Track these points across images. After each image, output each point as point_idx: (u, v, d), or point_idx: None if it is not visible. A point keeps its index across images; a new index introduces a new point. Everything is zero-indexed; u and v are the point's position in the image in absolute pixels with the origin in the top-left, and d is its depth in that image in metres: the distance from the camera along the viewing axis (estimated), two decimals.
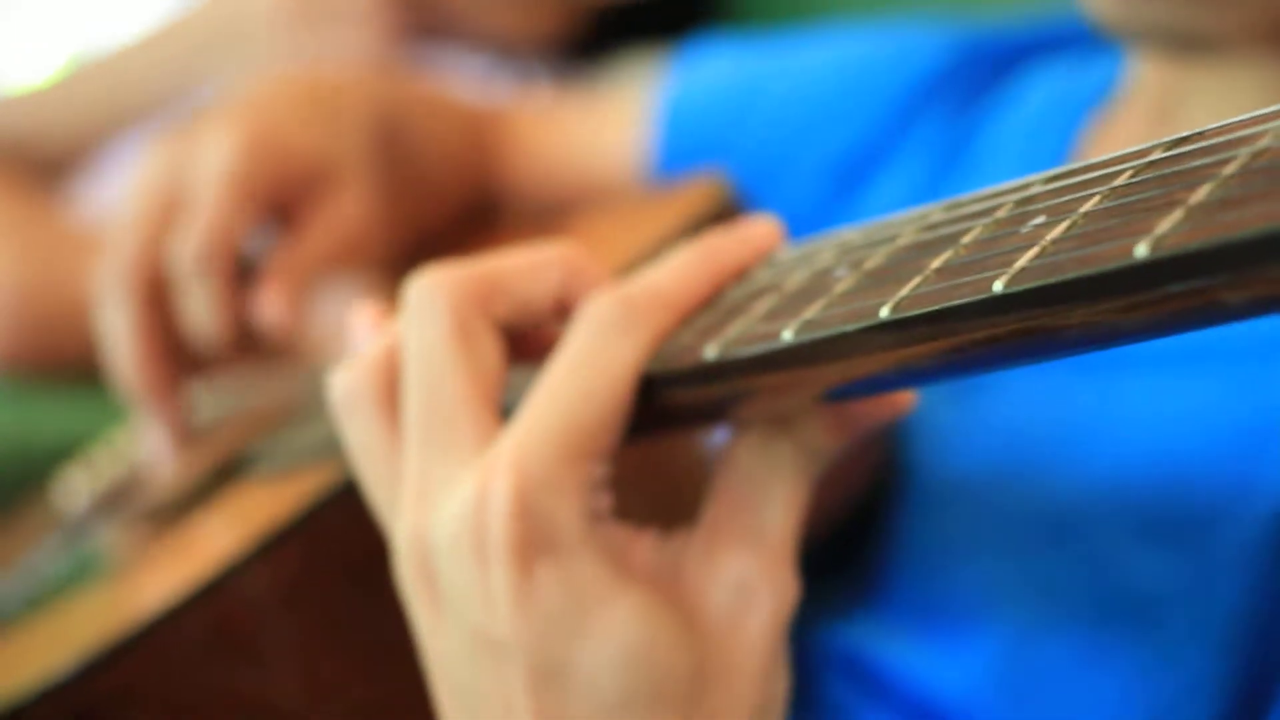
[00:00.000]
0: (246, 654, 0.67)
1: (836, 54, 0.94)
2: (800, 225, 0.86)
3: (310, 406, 0.85)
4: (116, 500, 0.96)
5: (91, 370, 1.22)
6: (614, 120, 1.02)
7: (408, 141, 0.95)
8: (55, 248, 1.23)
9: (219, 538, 0.75)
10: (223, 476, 0.86)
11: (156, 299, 0.85)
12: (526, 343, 0.58)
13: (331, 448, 0.72)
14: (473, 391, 0.54)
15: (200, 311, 0.83)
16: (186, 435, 0.87)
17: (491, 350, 0.55)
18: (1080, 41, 0.89)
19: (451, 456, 0.53)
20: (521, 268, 0.57)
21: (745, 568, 0.53)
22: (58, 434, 1.24)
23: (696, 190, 0.77)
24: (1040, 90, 0.84)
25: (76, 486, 1.00)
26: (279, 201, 0.86)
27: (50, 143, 1.38)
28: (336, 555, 0.68)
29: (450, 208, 1.00)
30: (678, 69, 1.00)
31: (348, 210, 0.87)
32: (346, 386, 0.57)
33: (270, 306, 0.82)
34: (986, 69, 0.88)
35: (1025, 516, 0.67)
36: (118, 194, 1.31)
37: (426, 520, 0.53)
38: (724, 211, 0.74)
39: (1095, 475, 0.65)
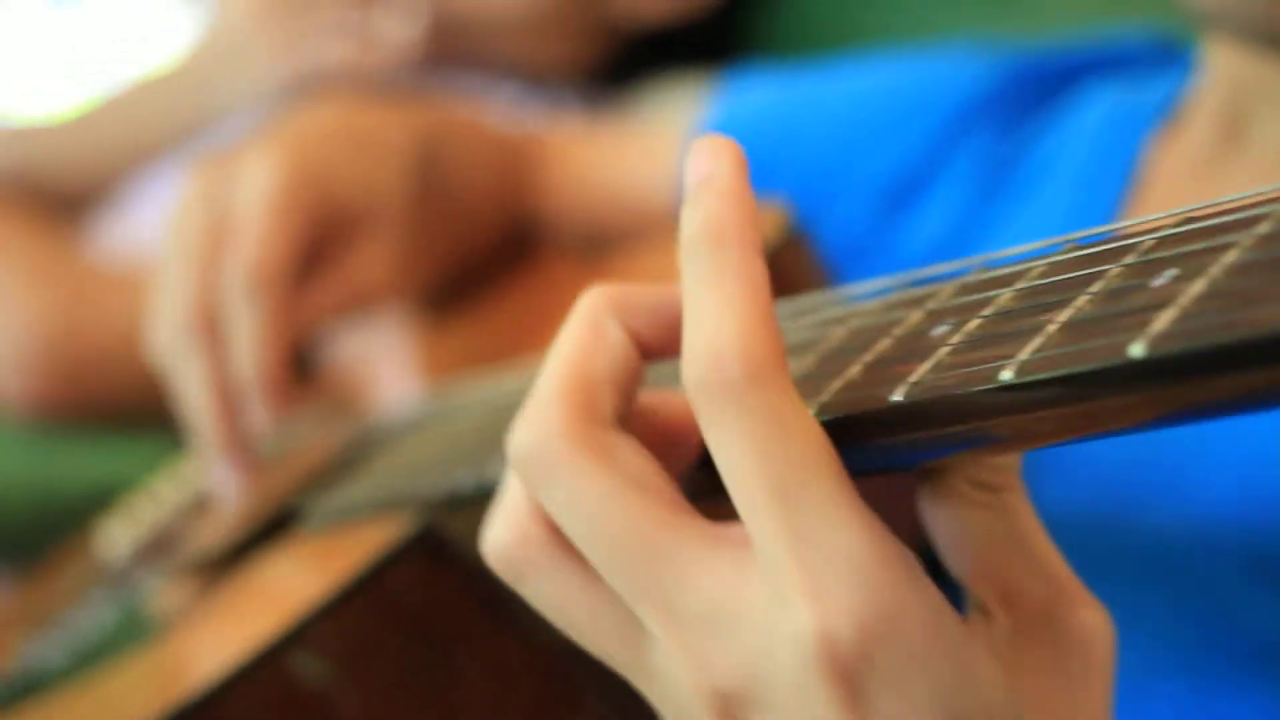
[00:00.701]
0: None
1: (882, 78, 0.93)
2: (850, 249, 0.85)
3: (358, 458, 0.83)
4: (159, 550, 0.94)
5: (121, 414, 1.20)
6: (654, 148, 1.00)
7: (445, 171, 0.94)
8: (80, 287, 1.21)
9: (277, 597, 0.73)
10: (271, 529, 0.84)
11: (220, 345, 0.83)
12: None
13: (388, 504, 0.70)
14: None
15: (247, 345, 0.81)
16: (253, 477, 0.85)
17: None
18: (1131, 62, 0.87)
19: (716, 580, 0.44)
20: None
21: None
22: (86, 480, 1.22)
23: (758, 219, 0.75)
24: (1096, 110, 0.82)
25: (117, 536, 0.98)
26: (318, 233, 0.84)
27: (68, 177, 1.36)
28: (402, 615, 0.66)
29: (487, 236, 0.98)
30: (719, 96, 0.99)
31: (372, 262, 0.85)
32: (508, 552, 0.50)
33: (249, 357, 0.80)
34: (1034, 90, 0.86)
35: (1127, 553, 0.65)
36: (151, 230, 1.29)
37: (725, 657, 0.44)
38: (789, 241, 0.72)
39: (1196, 511, 0.63)
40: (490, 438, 0.66)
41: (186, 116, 1.34)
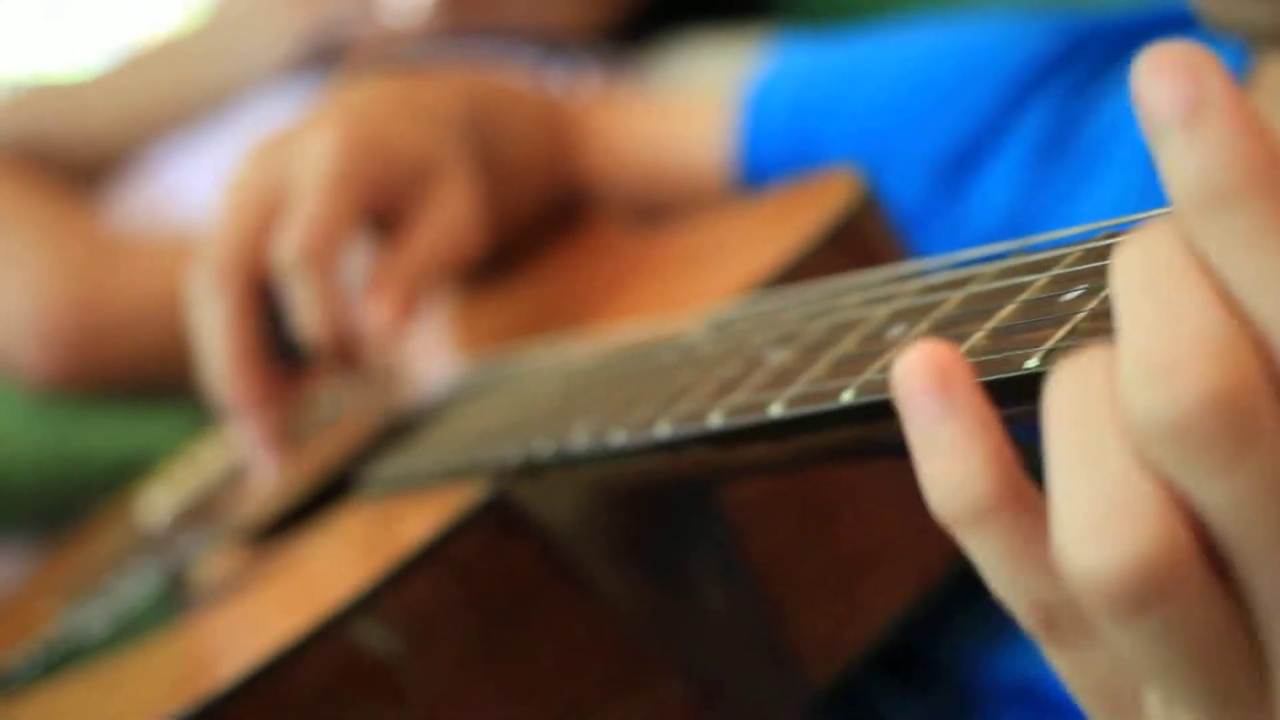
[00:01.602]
0: (375, 694, 0.64)
1: (939, 43, 0.91)
2: (907, 219, 0.84)
3: (412, 426, 0.81)
4: (201, 516, 0.92)
5: (141, 385, 1.19)
6: (699, 112, 0.99)
7: (495, 139, 0.93)
8: (99, 256, 1.19)
9: (337, 566, 0.71)
10: (323, 496, 0.82)
11: (253, 301, 0.82)
12: None
13: (455, 471, 0.69)
14: None
15: (302, 310, 0.80)
16: (285, 446, 0.84)
17: None
18: (1195, 25, 0.86)
19: None
20: None
21: None
22: (109, 450, 1.21)
23: (831, 189, 0.73)
24: None
25: (159, 502, 0.96)
26: (380, 205, 0.83)
27: (82, 143, 1.34)
28: (472, 584, 0.65)
29: (532, 205, 0.97)
30: (766, 60, 0.97)
31: (453, 210, 0.84)
32: (1150, 569, 0.35)
33: (377, 315, 0.79)
34: (1097, 54, 0.85)
35: None
36: (171, 199, 1.27)
37: None
38: (864, 212, 0.71)
39: None
40: (569, 405, 0.65)
41: (204, 82, 1.32)
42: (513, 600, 0.65)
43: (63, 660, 0.85)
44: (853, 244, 0.70)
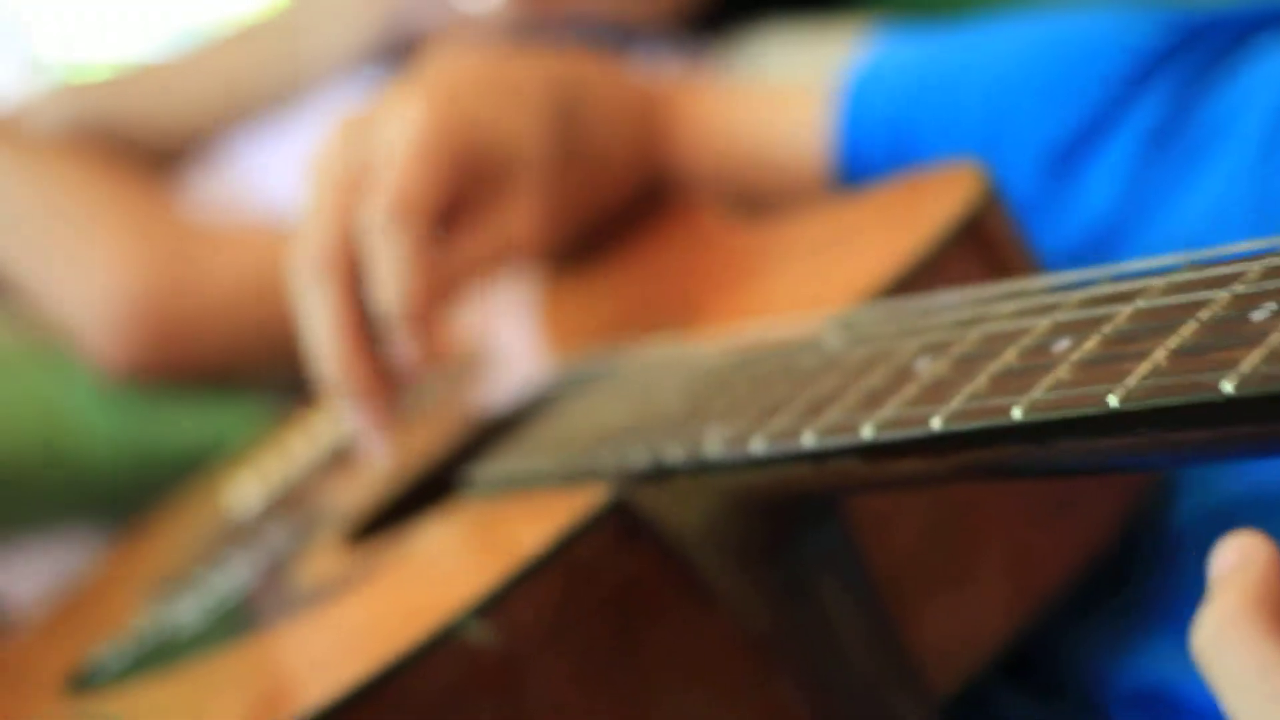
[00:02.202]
0: (495, 701, 0.63)
1: (1043, 37, 0.90)
2: (1014, 211, 0.82)
3: (515, 423, 0.80)
4: (290, 507, 0.91)
5: (220, 377, 1.18)
6: (796, 102, 0.97)
7: (585, 124, 0.91)
8: (180, 245, 1.18)
9: (452, 569, 0.70)
10: (425, 492, 0.81)
11: (356, 283, 0.81)
12: None
13: (572, 473, 0.67)
14: None
15: (390, 274, 0.78)
16: (396, 431, 0.82)
17: None
18: None
19: None
20: None
21: None
22: (184, 440, 1.20)
23: (953, 183, 0.71)
24: (1276, 68, 0.80)
25: (248, 492, 0.95)
26: (458, 187, 0.81)
27: (158, 130, 1.33)
28: (594, 589, 0.63)
29: (622, 192, 0.96)
30: (864, 51, 0.96)
31: (517, 215, 0.82)
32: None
33: (410, 346, 0.78)
34: (1207, 48, 0.84)
35: None
36: (250, 187, 1.26)
37: None
38: (990, 207, 0.69)
39: None
40: (698, 408, 0.64)
41: (280, 69, 1.31)
42: (634, 607, 0.64)
43: (154, 654, 0.84)
44: (980, 242, 0.68)
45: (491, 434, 0.81)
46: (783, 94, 1.00)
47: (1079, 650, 0.70)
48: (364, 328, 0.81)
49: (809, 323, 0.66)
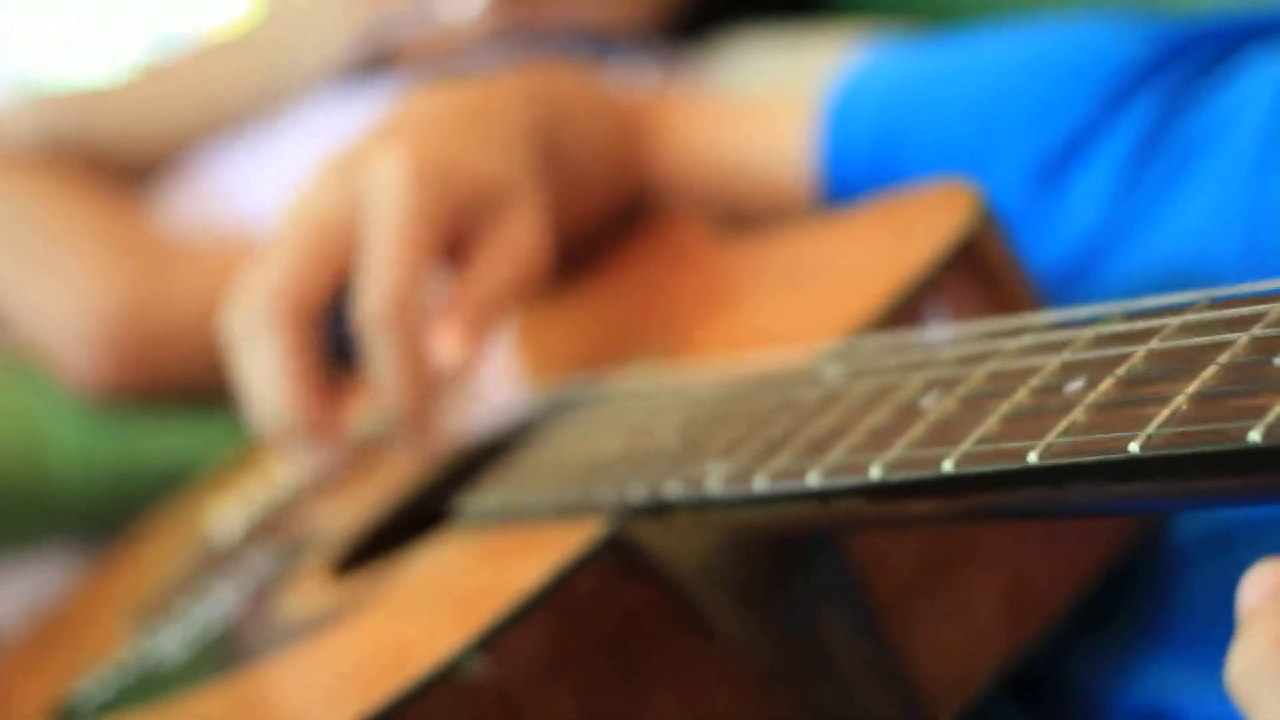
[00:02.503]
0: None
1: (1030, 47, 0.89)
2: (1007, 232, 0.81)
3: (499, 451, 0.79)
4: (272, 533, 0.90)
5: (194, 394, 1.16)
6: (778, 114, 0.96)
7: (564, 141, 0.90)
8: (152, 261, 1.17)
9: (445, 606, 0.69)
10: (413, 521, 0.80)
11: (309, 333, 0.79)
12: None
13: (566, 507, 0.66)
14: None
15: (386, 373, 0.77)
16: (348, 465, 0.81)
17: None
18: None
19: None
20: None
21: None
22: (161, 458, 1.18)
23: (946, 202, 0.70)
24: (1266, 77, 0.79)
25: (227, 518, 0.93)
26: (453, 232, 0.80)
27: (129, 144, 1.31)
28: (591, 626, 0.62)
29: (601, 209, 0.94)
30: (847, 61, 0.95)
31: (521, 236, 0.81)
32: None
33: (449, 350, 0.76)
34: (1196, 58, 0.83)
35: None
36: (222, 205, 1.25)
37: None
38: (986, 229, 0.68)
39: None
40: (696, 442, 0.63)
41: (254, 82, 1.29)
42: (633, 641, 0.63)
43: (138, 687, 0.83)
44: (975, 266, 0.67)
45: (477, 462, 0.80)
46: (764, 107, 0.99)
47: (1081, 670, 0.69)
48: (316, 375, 0.79)
49: (803, 353, 0.65)
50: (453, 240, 0.80)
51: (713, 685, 0.63)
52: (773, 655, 0.64)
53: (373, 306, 0.76)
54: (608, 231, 0.94)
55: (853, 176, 0.91)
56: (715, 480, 0.58)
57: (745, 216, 0.95)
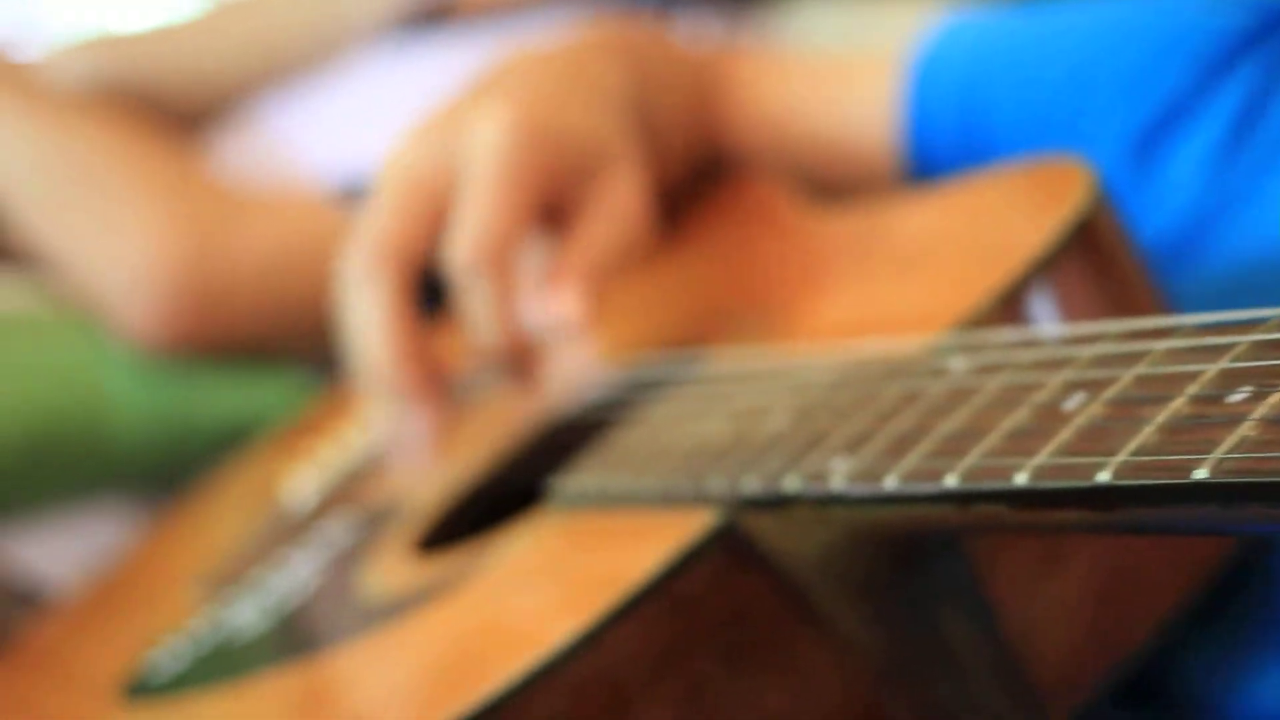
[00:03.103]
0: None
1: (1129, 15, 0.87)
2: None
3: (593, 429, 0.77)
4: (349, 503, 0.88)
5: (258, 351, 1.15)
6: (858, 78, 0.94)
7: (649, 100, 0.88)
8: (216, 212, 1.15)
9: (551, 590, 0.67)
10: (497, 500, 0.78)
11: (412, 290, 0.79)
12: None
13: (671, 495, 0.65)
14: None
15: (478, 317, 0.77)
16: (445, 434, 0.80)
17: None
18: None
19: None
20: None
21: None
22: (221, 415, 1.17)
23: (1060, 184, 0.68)
24: None
25: (300, 484, 0.92)
26: (552, 196, 0.79)
27: (184, 90, 1.29)
28: (704, 619, 0.61)
29: (681, 170, 0.92)
30: (933, 25, 0.93)
31: (624, 197, 0.80)
32: None
33: (562, 306, 0.75)
34: None
35: None
36: (282, 156, 1.23)
37: None
38: (1103, 213, 0.66)
39: None
40: (814, 433, 0.61)
41: (311, 30, 1.27)
42: (743, 637, 0.61)
43: (213, 662, 0.81)
44: (1094, 252, 0.65)
45: (565, 440, 0.78)
46: (843, 68, 0.97)
47: (1197, 672, 0.68)
48: (417, 334, 0.79)
49: (920, 342, 0.63)
50: (553, 202, 0.79)
51: (824, 682, 0.62)
52: (888, 651, 0.62)
53: (466, 251, 0.76)
54: (685, 197, 0.92)
55: (937, 143, 0.89)
56: (840, 477, 0.57)
57: (822, 182, 0.93)
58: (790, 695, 0.62)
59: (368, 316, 0.79)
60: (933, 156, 0.88)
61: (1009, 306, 0.64)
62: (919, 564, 0.62)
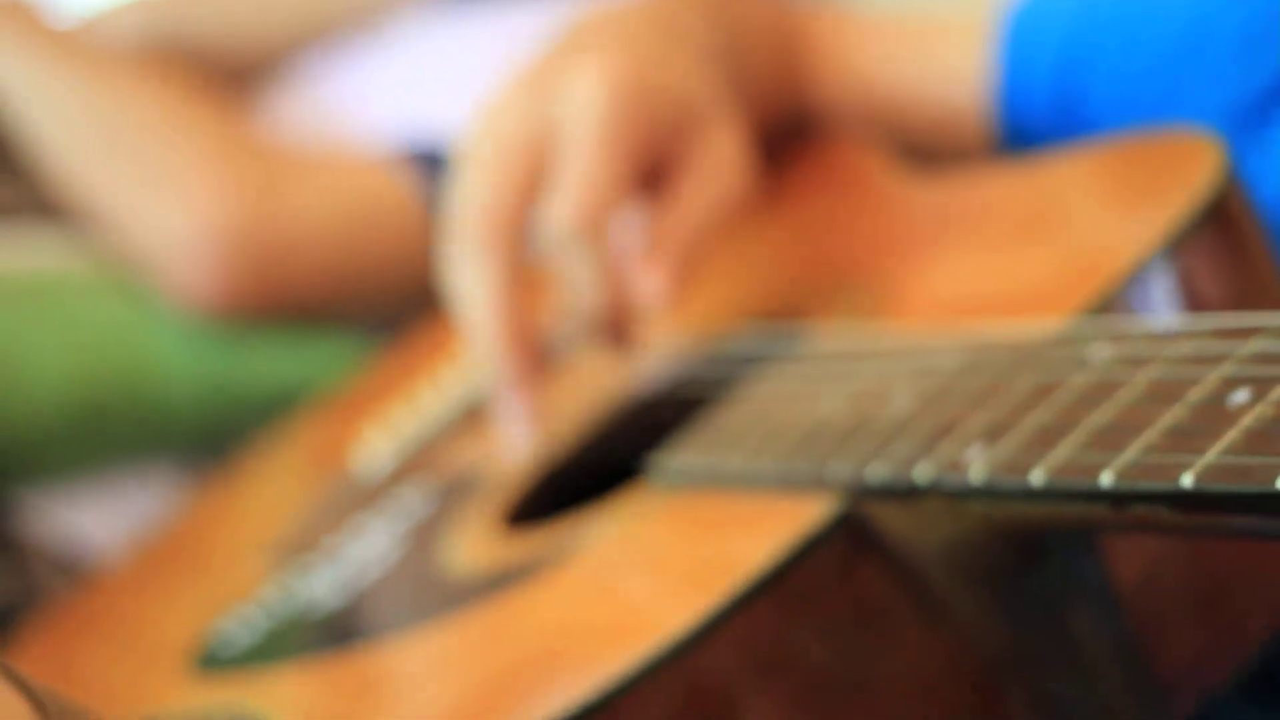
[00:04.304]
0: None
1: None
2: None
3: (691, 402, 0.75)
4: (424, 471, 0.86)
5: (311, 314, 1.13)
6: (949, 36, 0.91)
7: (738, 54, 0.86)
8: (271, 172, 1.13)
9: (660, 576, 0.65)
10: (590, 475, 0.76)
11: (518, 261, 0.77)
12: None
13: (788, 479, 0.63)
14: None
15: (578, 286, 0.75)
16: (544, 417, 0.78)
17: None
18: None
19: None
20: None
21: None
22: (271, 379, 1.15)
23: (1185, 160, 0.65)
24: None
25: (376, 450, 0.89)
26: (653, 154, 0.76)
27: (234, 49, 1.26)
28: (822, 611, 0.59)
29: (768, 128, 0.90)
30: None
31: (724, 157, 0.77)
32: None
33: (664, 274, 0.73)
34: None
35: None
36: (332, 116, 1.20)
37: None
38: (1233, 193, 0.64)
39: None
40: (945, 419, 0.58)
41: None
42: (861, 629, 0.59)
43: (291, 635, 0.79)
44: (1223, 235, 0.63)
45: (659, 415, 0.76)
46: (934, 28, 0.94)
47: None
48: (523, 317, 0.77)
49: (1054, 325, 0.60)
50: (651, 163, 0.77)
51: (941, 672, 0.60)
52: (1009, 645, 0.60)
53: (569, 217, 0.74)
54: (771, 159, 0.89)
55: (1032, 106, 0.86)
56: (980, 468, 0.54)
57: (909, 145, 0.91)
58: (907, 690, 0.60)
59: (478, 293, 0.77)
60: (1027, 121, 0.86)
61: (1137, 290, 0.61)
62: (1047, 558, 0.60)
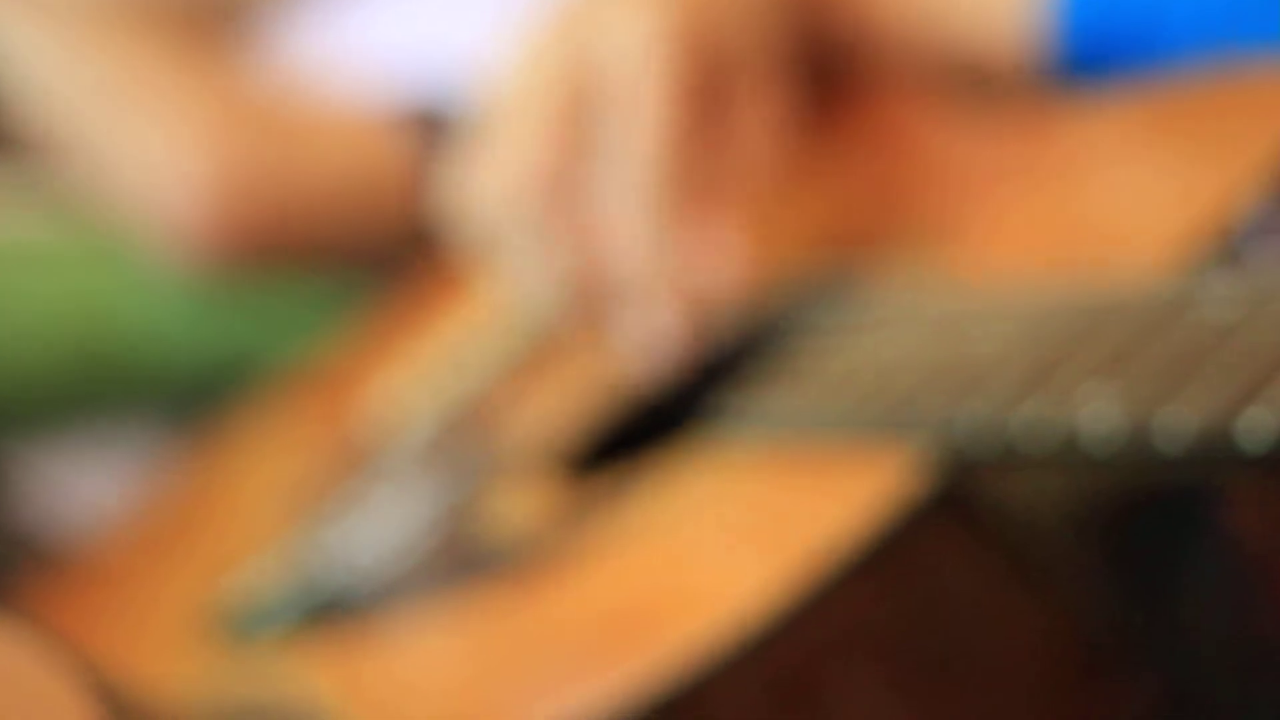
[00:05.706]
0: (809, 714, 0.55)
1: None
2: None
3: (764, 349, 0.71)
4: (465, 427, 0.81)
5: (312, 265, 1.09)
6: None
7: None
8: (264, 119, 1.10)
9: (734, 537, 0.61)
10: (652, 420, 0.72)
11: (569, 225, 0.71)
12: None
13: (882, 433, 0.59)
14: None
15: (634, 244, 0.70)
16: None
17: None
18: None
19: None
20: None
21: None
22: (262, 338, 1.12)
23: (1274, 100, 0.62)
24: None
25: (413, 409, 0.84)
26: (704, 95, 0.72)
27: None
28: (917, 582, 0.56)
29: (803, 71, 0.86)
30: None
31: (778, 103, 0.73)
32: None
33: (727, 235, 0.69)
34: None
35: None
36: (332, 64, 1.16)
37: None
38: None
39: None
40: (1051, 371, 0.54)
41: None
42: (958, 601, 0.56)
43: (332, 603, 0.75)
44: None
45: (721, 364, 0.72)
46: None
47: None
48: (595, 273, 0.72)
49: (1159, 271, 0.57)
50: (703, 106, 0.72)
51: (1041, 645, 0.57)
52: (1122, 615, 0.57)
53: (639, 186, 0.69)
54: (814, 98, 0.85)
55: (1091, 36, 0.82)
56: (1100, 427, 0.51)
57: (959, 79, 0.87)
58: (1002, 661, 0.57)
59: (540, 277, 0.72)
60: (1086, 48, 0.82)
61: (1242, 233, 0.58)
62: (1164, 518, 0.56)
